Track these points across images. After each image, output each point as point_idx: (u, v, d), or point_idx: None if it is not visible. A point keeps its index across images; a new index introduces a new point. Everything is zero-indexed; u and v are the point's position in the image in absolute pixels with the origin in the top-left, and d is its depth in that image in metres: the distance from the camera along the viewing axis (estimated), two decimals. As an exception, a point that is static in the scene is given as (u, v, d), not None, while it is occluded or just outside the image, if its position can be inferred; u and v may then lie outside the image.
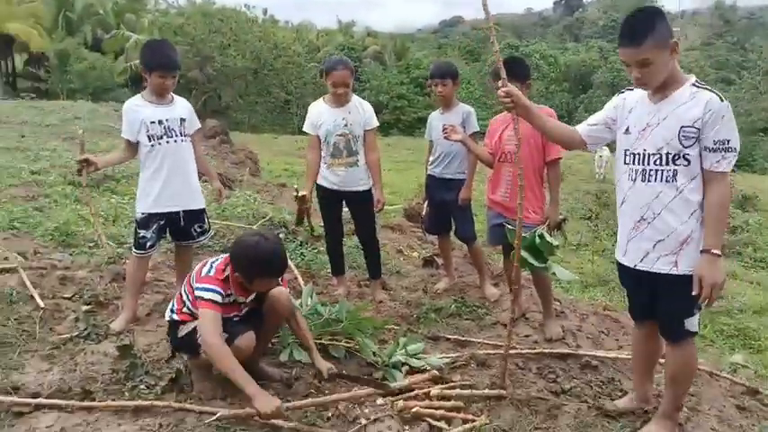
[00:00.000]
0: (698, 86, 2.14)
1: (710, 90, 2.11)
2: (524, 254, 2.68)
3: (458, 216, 4.13)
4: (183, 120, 3.34)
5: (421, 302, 3.95)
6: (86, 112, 12.59)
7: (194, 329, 2.47)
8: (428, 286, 4.39)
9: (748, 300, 5.90)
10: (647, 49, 2.07)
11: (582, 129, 2.51)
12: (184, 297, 2.56)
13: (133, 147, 3.28)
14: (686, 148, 2.13)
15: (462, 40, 50.76)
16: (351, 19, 45.98)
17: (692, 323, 2.31)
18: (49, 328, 3.05)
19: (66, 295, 3.43)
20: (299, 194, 3.96)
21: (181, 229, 3.39)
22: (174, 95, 3.40)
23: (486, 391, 2.71)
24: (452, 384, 2.76)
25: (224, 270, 2.48)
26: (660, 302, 2.35)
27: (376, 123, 3.87)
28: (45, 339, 2.93)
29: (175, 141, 3.27)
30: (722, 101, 2.07)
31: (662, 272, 2.26)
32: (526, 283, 4.30)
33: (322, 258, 4.72)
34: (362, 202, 3.91)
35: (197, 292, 2.42)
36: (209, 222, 3.61)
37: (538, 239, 2.74)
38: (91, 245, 4.44)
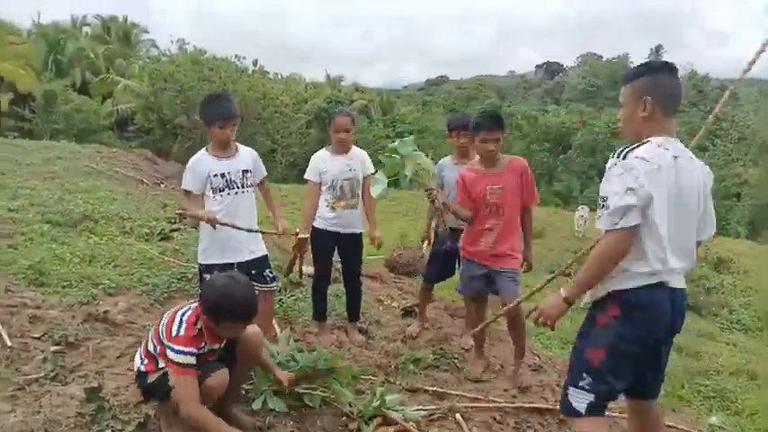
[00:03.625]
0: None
1: (633, 147, 2.04)
2: None
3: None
4: (245, 171, 3.41)
5: (399, 353, 3.90)
6: (68, 152, 12.53)
7: (165, 374, 2.40)
8: (406, 337, 4.35)
9: (725, 361, 5.92)
10: (625, 91, 2.19)
11: None
12: (152, 351, 2.47)
13: (195, 197, 3.34)
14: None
15: (447, 98, 52.20)
16: (339, 74, 47.08)
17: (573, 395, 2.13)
18: (14, 369, 2.93)
19: (35, 335, 3.33)
20: (301, 236, 3.99)
21: (250, 275, 3.28)
22: (239, 145, 3.46)
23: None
24: (429, 437, 2.71)
25: (195, 323, 2.40)
26: None
27: (372, 169, 4.13)
28: (9, 380, 2.82)
29: (236, 194, 3.36)
30: (615, 156, 2.03)
31: None
32: (504, 336, 4.29)
33: (300, 305, 4.68)
34: (355, 245, 4.19)
35: (169, 354, 2.33)
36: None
37: None
38: (64, 284, 4.34)
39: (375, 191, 3.48)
